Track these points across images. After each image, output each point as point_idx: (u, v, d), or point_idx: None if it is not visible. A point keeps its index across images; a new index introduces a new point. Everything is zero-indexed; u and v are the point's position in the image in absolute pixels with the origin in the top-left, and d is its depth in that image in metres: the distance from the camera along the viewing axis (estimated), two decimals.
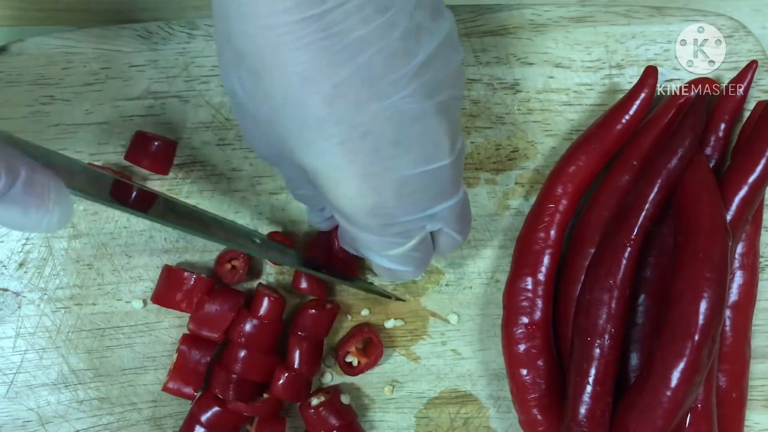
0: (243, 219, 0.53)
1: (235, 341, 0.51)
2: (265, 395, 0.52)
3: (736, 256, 0.52)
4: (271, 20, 0.34)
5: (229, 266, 0.52)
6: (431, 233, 0.45)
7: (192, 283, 0.51)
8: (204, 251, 0.53)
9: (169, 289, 0.51)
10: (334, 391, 0.53)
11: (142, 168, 0.52)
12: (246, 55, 0.37)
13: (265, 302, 0.51)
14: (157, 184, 0.53)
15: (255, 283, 0.53)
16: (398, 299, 0.54)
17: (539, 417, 0.50)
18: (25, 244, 0.52)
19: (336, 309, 0.53)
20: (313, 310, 0.51)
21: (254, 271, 0.54)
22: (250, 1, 0.34)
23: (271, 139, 0.40)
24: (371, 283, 0.53)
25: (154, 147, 0.51)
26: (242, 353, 0.51)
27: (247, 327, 0.51)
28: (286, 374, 0.51)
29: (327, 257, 0.52)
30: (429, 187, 0.40)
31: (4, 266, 0.53)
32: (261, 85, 0.37)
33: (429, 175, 0.40)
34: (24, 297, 0.53)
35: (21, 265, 0.53)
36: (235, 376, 0.50)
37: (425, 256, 0.45)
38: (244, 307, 0.52)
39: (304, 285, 0.52)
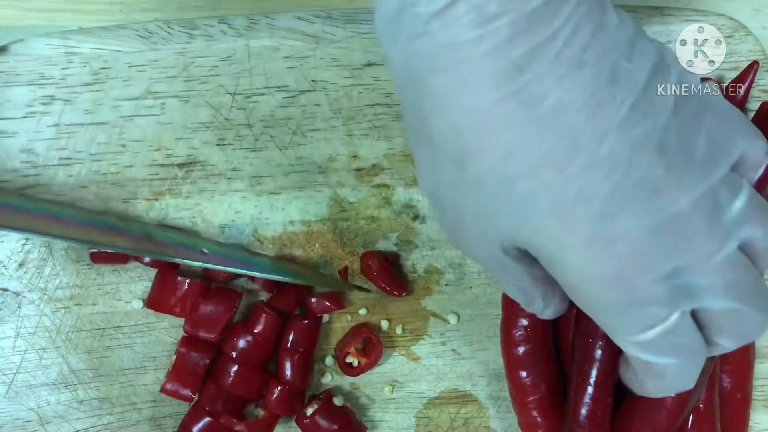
0: (243, 219, 0.52)
1: (227, 355, 0.50)
2: (261, 412, 0.51)
3: None
4: (470, 103, 0.33)
5: None
6: (698, 317, 0.37)
7: (186, 287, 0.50)
8: None
9: (162, 293, 0.50)
10: (326, 396, 0.51)
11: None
12: (448, 148, 0.35)
13: (263, 320, 0.50)
14: (157, 184, 0.52)
15: (251, 282, 0.52)
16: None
17: (539, 419, 0.49)
18: (24, 244, 0.51)
19: (319, 321, 0.51)
20: (297, 324, 0.50)
21: None
22: (447, 90, 0.33)
23: (480, 232, 0.37)
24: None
25: None
26: (233, 368, 0.49)
27: (241, 342, 0.49)
28: (279, 388, 0.50)
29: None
30: (664, 238, 0.34)
31: (4, 266, 0.51)
32: (465, 174, 0.35)
33: (660, 224, 0.34)
34: (24, 297, 0.51)
35: (21, 265, 0.51)
36: (225, 389, 0.49)
37: (688, 343, 0.37)
38: (240, 322, 0.50)
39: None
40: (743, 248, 0.36)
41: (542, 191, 0.34)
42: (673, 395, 0.43)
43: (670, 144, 0.34)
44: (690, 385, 0.39)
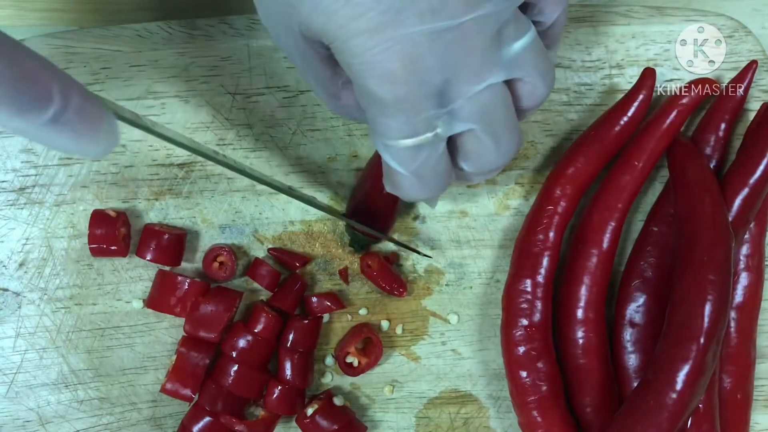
0: (243, 219, 0.52)
1: (227, 355, 0.49)
2: (261, 412, 0.51)
3: (741, 257, 0.50)
4: None
5: (216, 264, 0.51)
6: (452, 143, 0.40)
7: (186, 287, 0.49)
8: (198, 251, 0.52)
9: (163, 293, 0.50)
10: (326, 396, 0.51)
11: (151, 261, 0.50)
12: None
13: (263, 319, 0.49)
14: (157, 184, 0.52)
15: (250, 281, 0.52)
16: (424, 255, 0.52)
17: (539, 419, 0.48)
18: (25, 244, 0.51)
19: (319, 320, 0.51)
20: (297, 323, 0.50)
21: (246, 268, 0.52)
22: None
23: (284, 18, 0.39)
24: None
25: (164, 240, 0.50)
26: (233, 368, 0.49)
27: (241, 342, 0.49)
28: (279, 387, 0.49)
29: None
30: (443, 49, 0.36)
31: (4, 266, 0.51)
32: None
33: (439, 37, 0.36)
34: (24, 297, 0.51)
35: (21, 265, 0.51)
36: (224, 389, 0.49)
37: (429, 165, 0.40)
38: (240, 322, 0.50)
39: (263, 272, 0.51)
40: (511, 87, 0.40)
41: None
42: None
43: None
44: (418, 197, 0.42)
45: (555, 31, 0.42)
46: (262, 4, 0.40)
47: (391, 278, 0.51)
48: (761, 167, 0.48)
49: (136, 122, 0.39)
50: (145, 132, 0.40)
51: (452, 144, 0.41)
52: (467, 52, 0.37)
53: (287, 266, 0.52)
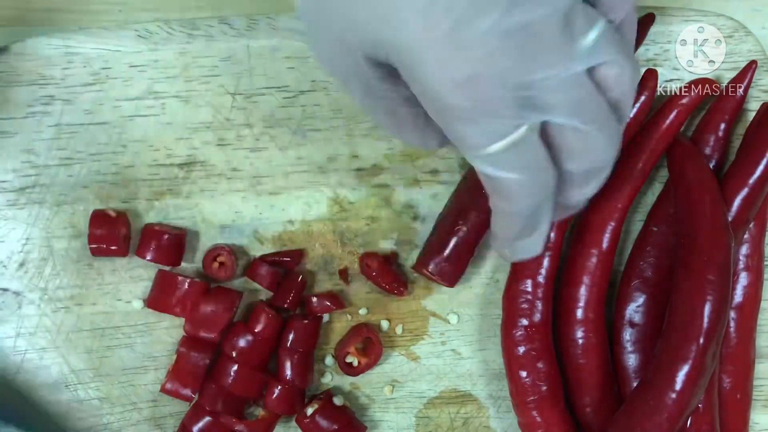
0: (243, 219, 0.52)
1: (227, 354, 0.49)
2: (261, 412, 0.51)
3: (741, 257, 0.50)
4: None
5: (216, 264, 0.51)
6: (549, 141, 0.38)
7: (186, 287, 0.49)
8: (198, 251, 0.52)
9: (163, 294, 0.50)
10: (326, 396, 0.51)
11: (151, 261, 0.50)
12: None
13: (263, 319, 0.49)
14: (157, 184, 0.52)
15: (250, 281, 0.52)
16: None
17: (538, 419, 0.48)
18: (25, 244, 0.51)
19: (319, 320, 0.51)
20: (297, 323, 0.50)
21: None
22: None
23: (343, 37, 0.37)
24: None
25: (164, 240, 0.50)
26: (233, 368, 0.49)
27: (241, 342, 0.49)
28: (279, 387, 0.50)
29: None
30: (517, 47, 0.35)
31: (4, 266, 0.51)
32: None
33: (511, 37, 0.34)
34: (24, 297, 0.51)
35: (21, 265, 0.51)
36: (224, 389, 0.49)
37: (534, 158, 0.37)
38: (240, 322, 0.50)
39: (262, 272, 0.50)
40: (593, 77, 0.37)
41: None
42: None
43: None
44: (533, 202, 0.39)
45: (624, 30, 0.40)
46: (317, 29, 0.38)
47: (391, 278, 0.51)
48: (761, 167, 0.48)
49: None
50: None
51: (554, 146, 0.38)
52: (540, 48, 0.35)
53: (284, 266, 0.52)
